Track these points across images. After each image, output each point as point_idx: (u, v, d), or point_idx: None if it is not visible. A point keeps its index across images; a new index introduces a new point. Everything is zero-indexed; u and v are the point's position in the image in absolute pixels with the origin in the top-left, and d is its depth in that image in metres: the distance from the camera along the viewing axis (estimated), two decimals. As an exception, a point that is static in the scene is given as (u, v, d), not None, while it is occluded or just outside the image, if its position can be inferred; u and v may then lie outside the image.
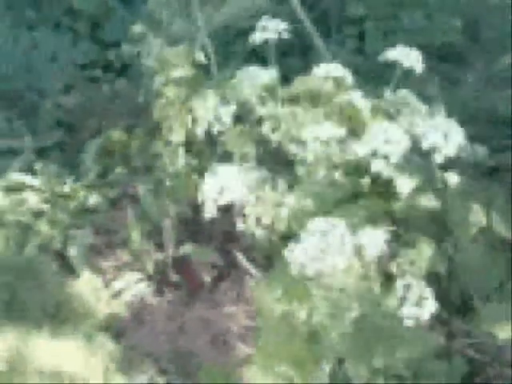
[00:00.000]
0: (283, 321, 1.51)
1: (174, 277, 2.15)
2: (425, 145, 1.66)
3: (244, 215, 1.59)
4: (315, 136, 1.54)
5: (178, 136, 2.09)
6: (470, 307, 1.96)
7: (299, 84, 1.75)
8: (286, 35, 1.88)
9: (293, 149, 1.65)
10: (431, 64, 2.68)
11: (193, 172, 2.17)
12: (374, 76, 2.33)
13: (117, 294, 2.08)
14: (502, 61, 2.62)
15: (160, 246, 2.19)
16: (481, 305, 1.91)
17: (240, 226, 1.63)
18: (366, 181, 1.62)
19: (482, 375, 2.00)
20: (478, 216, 1.92)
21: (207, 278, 2.13)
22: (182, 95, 2.17)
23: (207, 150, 2.19)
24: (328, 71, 1.75)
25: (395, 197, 1.72)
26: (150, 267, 2.14)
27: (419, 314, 1.36)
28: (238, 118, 2.02)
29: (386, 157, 1.56)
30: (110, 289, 2.09)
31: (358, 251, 1.37)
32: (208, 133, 2.10)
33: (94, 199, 2.29)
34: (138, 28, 2.58)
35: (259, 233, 1.63)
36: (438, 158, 1.67)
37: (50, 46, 2.92)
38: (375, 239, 1.42)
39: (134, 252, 2.17)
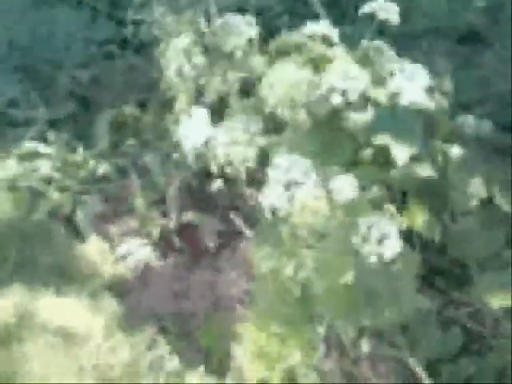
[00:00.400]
0: (272, 279, 1.55)
1: (178, 243, 2.21)
2: (390, 88, 1.67)
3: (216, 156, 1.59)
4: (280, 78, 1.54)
5: (180, 104, 2.13)
6: (467, 277, 1.97)
7: (283, 40, 1.74)
8: None
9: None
10: (450, 46, 2.70)
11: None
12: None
13: (122, 258, 2.14)
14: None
15: (166, 214, 2.25)
16: (477, 274, 1.93)
17: (213, 167, 1.64)
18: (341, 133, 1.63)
19: (479, 346, 2.02)
20: (478, 188, 1.94)
21: (210, 245, 2.18)
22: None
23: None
24: (315, 29, 1.74)
25: (392, 165, 1.74)
26: (155, 233, 2.20)
27: (382, 252, 1.37)
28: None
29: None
30: (116, 253, 2.15)
31: (329, 196, 1.39)
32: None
33: (103, 168, 2.36)
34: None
35: (230, 172, 1.64)
36: (404, 101, 1.69)
37: (70, 22, 2.99)
38: (346, 184, 1.43)
39: (140, 219, 2.24)
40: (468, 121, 2.06)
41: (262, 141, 1.57)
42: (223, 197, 2.25)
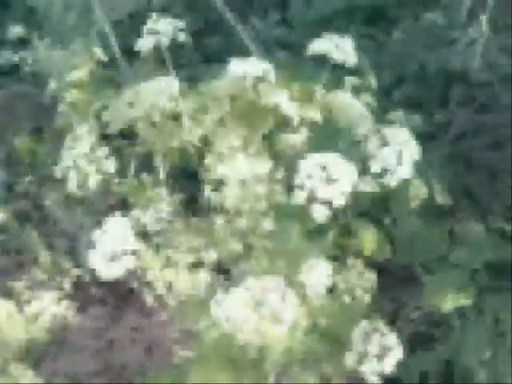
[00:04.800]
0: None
1: (97, 291, 1.97)
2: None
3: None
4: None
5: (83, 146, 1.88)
6: (415, 280, 1.85)
7: (206, 90, 1.49)
8: (182, 36, 1.50)
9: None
10: (356, 28, 2.57)
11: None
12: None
13: (33, 318, 1.88)
14: (426, 17, 2.50)
15: (78, 261, 2.01)
16: (425, 277, 1.81)
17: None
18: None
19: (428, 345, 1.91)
20: (417, 189, 1.81)
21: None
22: (85, 99, 1.98)
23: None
24: (245, 70, 1.41)
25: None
26: (69, 285, 1.96)
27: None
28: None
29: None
30: (26, 313, 1.89)
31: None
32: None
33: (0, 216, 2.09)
34: (17, 29, 2.29)
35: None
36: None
37: None
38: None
39: (48, 270, 1.98)
40: (398, 116, 1.94)
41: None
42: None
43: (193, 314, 1.40)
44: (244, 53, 2.34)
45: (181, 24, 1.46)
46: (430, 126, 2.13)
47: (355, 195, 1.49)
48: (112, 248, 1.30)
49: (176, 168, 1.74)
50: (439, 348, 1.80)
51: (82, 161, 1.57)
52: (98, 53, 2.08)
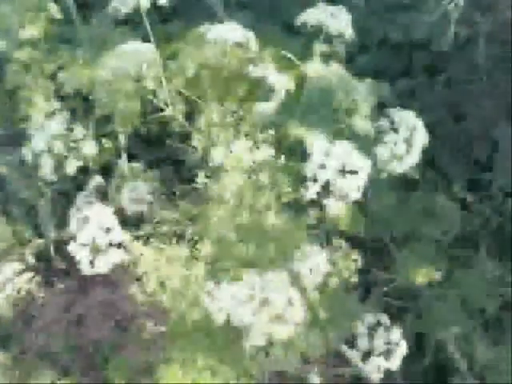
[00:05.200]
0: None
1: (61, 263, 1.89)
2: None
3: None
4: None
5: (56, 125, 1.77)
6: (388, 255, 1.88)
7: (190, 57, 1.37)
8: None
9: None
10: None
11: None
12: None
13: (-3, 293, 1.80)
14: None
15: (39, 230, 1.92)
16: (397, 251, 1.84)
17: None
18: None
19: (400, 320, 1.95)
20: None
21: (99, 260, 1.89)
22: (38, 58, 1.85)
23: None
24: (224, 35, 1.35)
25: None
26: (31, 255, 1.87)
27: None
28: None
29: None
30: (-13, 287, 1.81)
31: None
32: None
33: (-50, 182, 1.96)
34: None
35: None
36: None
37: None
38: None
39: (8, 240, 1.88)
40: (367, 84, 1.91)
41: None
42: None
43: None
44: (207, 12, 2.25)
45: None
46: (394, 95, 2.13)
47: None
48: (96, 239, 1.23)
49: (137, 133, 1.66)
50: (410, 321, 1.85)
51: (58, 143, 1.47)
52: (53, 9, 1.94)
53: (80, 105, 2.05)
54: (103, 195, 1.61)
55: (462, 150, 2.11)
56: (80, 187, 1.92)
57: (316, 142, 1.23)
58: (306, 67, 1.67)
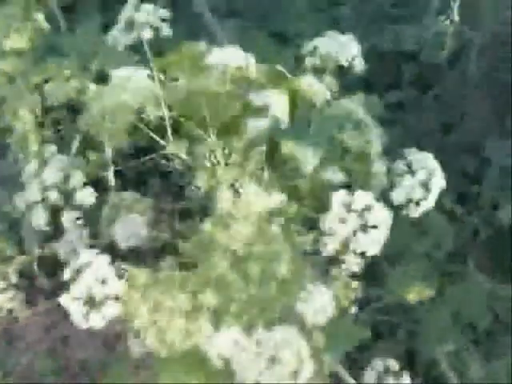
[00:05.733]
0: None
1: (45, 282, 1.85)
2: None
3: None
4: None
5: (26, 123, 1.71)
6: (379, 273, 1.86)
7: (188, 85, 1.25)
8: (166, 29, 1.32)
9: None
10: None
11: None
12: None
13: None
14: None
15: (22, 247, 1.87)
16: (389, 269, 1.82)
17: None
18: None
19: (393, 337, 1.94)
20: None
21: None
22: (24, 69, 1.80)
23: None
24: (226, 60, 1.26)
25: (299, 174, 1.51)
26: (13, 273, 1.82)
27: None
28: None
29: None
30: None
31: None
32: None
33: None
34: None
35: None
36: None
37: None
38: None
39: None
40: (358, 98, 1.89)
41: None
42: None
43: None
44: (195, 21, 2.21)
45: (165, 13, 1.31)
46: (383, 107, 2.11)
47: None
48: (91, 292, 1.10)
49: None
50: (401, 337, 1.84)
51: (53, 193, 1.35)
52: (39, 18, 1.89)
53: (66, 117, 2.01)
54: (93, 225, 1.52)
55: (450, 162, 2.09)
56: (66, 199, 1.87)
57: (335, 193, 1.14)
58: (298, 81, 1.63)
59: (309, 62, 2.03)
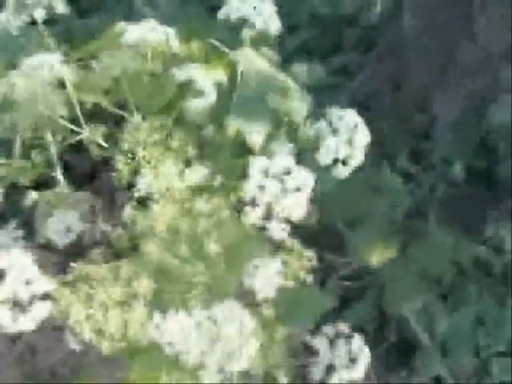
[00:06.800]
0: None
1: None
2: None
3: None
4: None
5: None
6: (341, 238, 1.86)
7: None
8: (61, 7, 1.30)
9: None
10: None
11: None
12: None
13: None
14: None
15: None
16: (350, 234, 1.81)
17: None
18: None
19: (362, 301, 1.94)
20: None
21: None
22: None
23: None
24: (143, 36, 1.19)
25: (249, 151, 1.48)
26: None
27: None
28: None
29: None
30: None
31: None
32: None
33: None
34: None
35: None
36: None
37: None
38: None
39: None
40: (302, 69, 1.88)
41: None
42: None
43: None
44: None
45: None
46: (327, 74, 2.10)
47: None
48: (16, 294, 1.02)
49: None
50: (370, 300, 1.84)
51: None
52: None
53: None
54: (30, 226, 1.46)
55: (401, 121, 2.10)
56: (14, 205, 1.82)
57: (255, 161, 1.10)
58: (236, 55, 1.60)
59: (245, 33, 2.00)
